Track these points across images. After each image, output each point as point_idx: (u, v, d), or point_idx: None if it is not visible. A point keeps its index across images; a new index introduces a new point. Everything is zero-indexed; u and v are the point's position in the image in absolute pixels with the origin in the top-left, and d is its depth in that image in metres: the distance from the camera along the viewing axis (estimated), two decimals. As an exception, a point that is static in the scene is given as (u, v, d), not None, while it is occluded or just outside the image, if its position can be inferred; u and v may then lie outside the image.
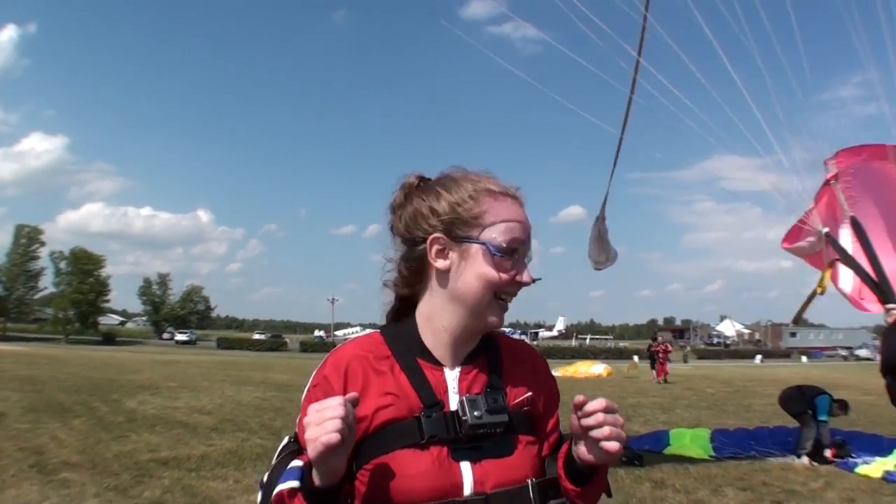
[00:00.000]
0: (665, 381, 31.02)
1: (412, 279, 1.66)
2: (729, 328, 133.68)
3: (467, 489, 1.45)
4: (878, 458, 10.56)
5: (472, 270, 1.54)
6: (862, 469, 10.22)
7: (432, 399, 1.51)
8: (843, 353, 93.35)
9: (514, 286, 1.57)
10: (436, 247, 1.57)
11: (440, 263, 1.57)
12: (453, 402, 1.53)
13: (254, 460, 10.11)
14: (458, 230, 1.55)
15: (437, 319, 1.61)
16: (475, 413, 1.47)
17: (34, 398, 16.60)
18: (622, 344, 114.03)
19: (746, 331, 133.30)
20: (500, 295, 1.56)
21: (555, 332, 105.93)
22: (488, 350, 1.66)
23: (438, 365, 1.59)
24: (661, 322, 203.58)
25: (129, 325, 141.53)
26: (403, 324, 1.67)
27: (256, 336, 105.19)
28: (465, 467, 1.47)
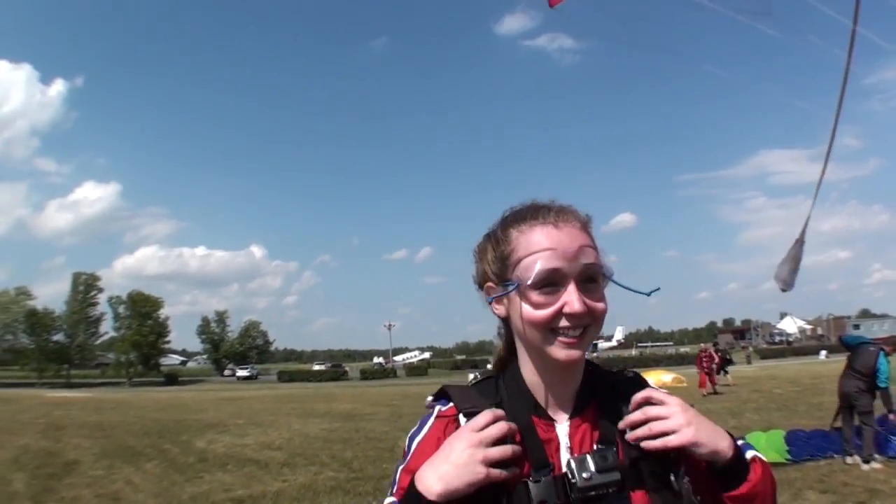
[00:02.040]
0: (715, 391, 27.80)
1: (503, 328, 1.63)
2: (790, 325, 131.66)
3: None
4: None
5: (516, 313, 1.46)
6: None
7: (542, 461, 1.42)
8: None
9: (567, 318, 1.40)
10: (491, 294, 1.53)
11: (499, 310, 1.55)
12: (564, 462, 1.43)
13: (328, 493, 10.09)
14: (503, 275, 1.49)
15: (525, 367, 1.54)
16: (584, 475, 1.37)
17: (105, 444, 16.79)
18: (683, 349, 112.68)
19: (808, 326, 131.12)
20: (557, 330, 1.41)
21: (614, 343, 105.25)
22: (597, 394, 1.54)
23: (550, 420, 1.50)
24: (720, 324, 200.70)
25: (191, 364, 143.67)
26: (511, 373, 1.57)
27: (316, 367, 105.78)
28: None
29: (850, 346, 11.21)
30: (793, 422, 14.52)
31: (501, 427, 1.36)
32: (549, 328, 1.41)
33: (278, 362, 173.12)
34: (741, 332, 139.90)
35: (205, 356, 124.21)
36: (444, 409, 1.53)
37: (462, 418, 1.46)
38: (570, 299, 1.38)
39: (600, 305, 1.42)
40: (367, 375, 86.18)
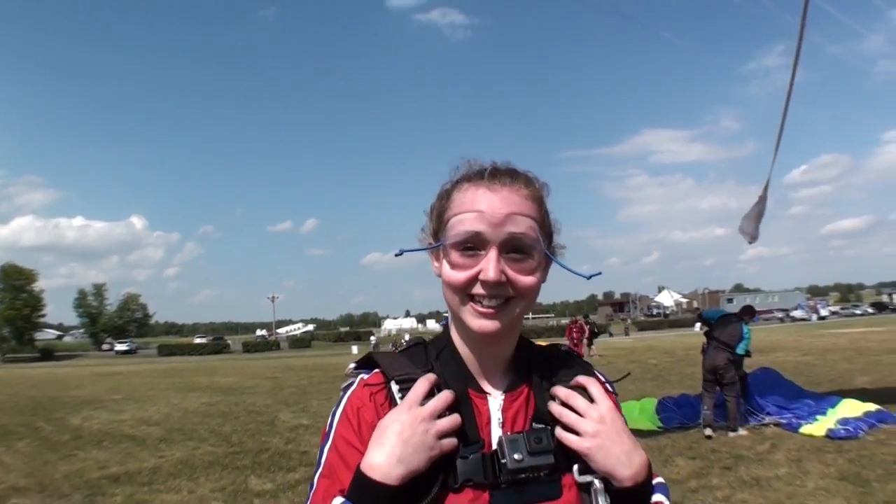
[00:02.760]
0: None
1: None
2: (667, 298, 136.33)
3: None
4: (819, 417, 10.82)
5: (442, 273, 1.39)
6: (806, 429, 10.50)
7: (472, 436, 1.34)
8: (780, 315, 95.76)
9: (482, 285, 1.31)
10: (420, 243, 1.47)
11: (435, 268, 1.44)
12: (495, 439, 1.35)
13: (206, 468, 10.06)
14: (438, 232, 1.40)
15: (455, 335, 1.46)
16: (515, 456, 1.29)
17: (-26, 423, 16.18)
18: (564, 321, 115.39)
19: (685, 300, 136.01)
20: (473, 297, 1.33)
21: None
22: (532, 370, 1.46)
23: (482, 393, 1.41)
24: (600, 297, 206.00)
25: (67, 338, 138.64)
26: (442, 340, 1.49)
27: (197, 340, 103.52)
28: None
29: (710, 321, 11.75)
30: (665, 391, 15.02)
31: (447, 397, 1.31)
32: (465, 292, 1.34)
33: (159, 336, 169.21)
34: (620, 304, 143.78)
35: (82, 330, 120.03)
36: (367, 376, 1.42)
37: (394, 386, 1.36)
38: (486, 266, 1.29)
39: (526, 279, 1.33)
40: (249, 348, 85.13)
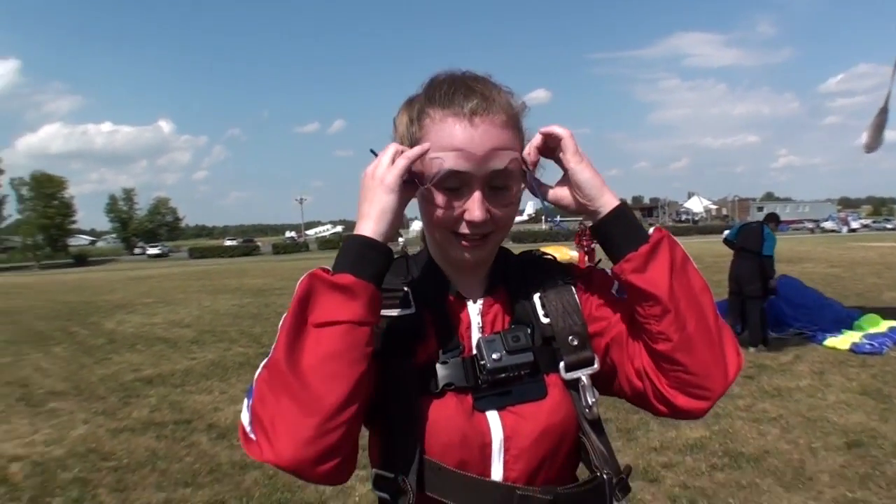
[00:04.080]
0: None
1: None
2: (696, 205, 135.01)
3: (496, 439, 1.30)
4: (845, 331, 10.79)
5: (420, 206, 1.38)
6: (830, 342, 10.46)
7: (451, 342, 1.36)
8: (810, 225, 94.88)
9: (467, 225, 1.32)
10: None
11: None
12: (475, 342, 1.37)
13: (237, 370, 10.29)
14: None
15: (433, 249, 1.47)
16: (493, 356, 1.30)
17: (12, 330, 16.65)
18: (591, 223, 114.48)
19: (714, 207, 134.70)
20: (458, 233, 1.34)
21: (525, 217, 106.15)
22: (508, 276, 1.48)
23: (462, 299, 1.44)
24: (630, 201, 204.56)
25: (100, 243, 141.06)
26: (422, 253, 1.51)
27: (227, 242, 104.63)
28: (493, 416, 1.31)
29: (732, 242, 11.27)
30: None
31: (395, 147, 1.29)
32: (449, 230, 1.34)
33: (189, 239, 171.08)
34: (649, 209, 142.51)
35: (114, 235, 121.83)
36: None
37: None
38: (472, 206, 1.29)
39: (507, 211, 1.34)
40: (279, 250, 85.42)
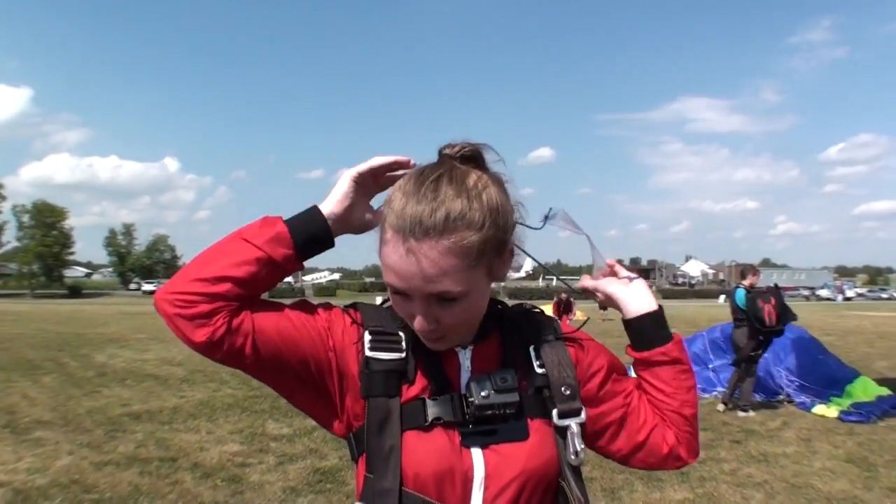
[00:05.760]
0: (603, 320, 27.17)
1: None
2: (694, 268, 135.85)
3: (478, 476, 1.34)
4: (834, 399, 10.79)
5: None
6: (819, 409, 10.48)
7: (441, 382, 1.41)
8: (805, 293, 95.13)
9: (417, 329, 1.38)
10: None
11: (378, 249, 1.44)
12: (464, 384, 1.41)
13: (225, 410, 10.26)
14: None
15: None
16: (482, 393, 1.35)
17: (2, 356, 16.58)
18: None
19: (711, 271, 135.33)
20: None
21: (522, 274, 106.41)
22: (500, 325, 1.53)
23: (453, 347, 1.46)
24: (627, 262, 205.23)
25: (95, 276, 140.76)
26: None
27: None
28: (476, 453, 1.35)
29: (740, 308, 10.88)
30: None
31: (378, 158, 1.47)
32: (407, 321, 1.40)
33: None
34: (646, 271, 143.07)
35: (110, 269, 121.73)
36: (352, 310, 1.49)
37: (367, 335, 1.41)
38: (417, 317, 1.34)
39: (459, 317, 1.35)
40: (274, 294, 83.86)
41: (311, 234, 1.42)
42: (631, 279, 1.63)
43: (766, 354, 10.91)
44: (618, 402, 1.55)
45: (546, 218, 1.53)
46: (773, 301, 10.30)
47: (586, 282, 1.67)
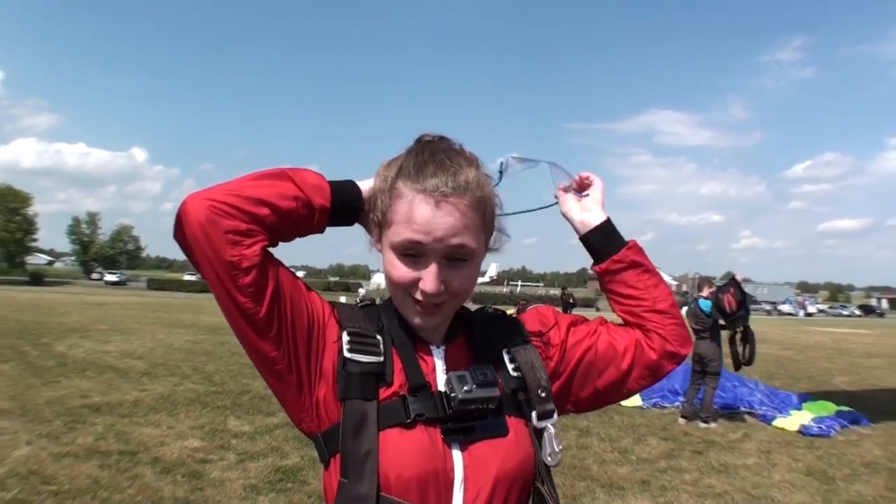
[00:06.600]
0: None
1: None
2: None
3: (458, 477, 1.33)
4: (794, 412, 10.97)
5: (384, 261, 1.45)
6: (779, 422, 10.61)
7: (419, 380, 1.40)
8: (767, 307, 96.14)
9: (421, 293, 1.39)
10: (370, 234, 1.52)
11: (371, 241, 1.52)
12: (441, 383, 1.42)
13: (186, 405, 10.18)
14: (385, 213, 1.42)
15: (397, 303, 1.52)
16: (465, 388, 1.36)
17: (-40, 342, 16.26)
18: (553, 291, 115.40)
19: (674, 283, 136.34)
20: (413, 295, 1.42)
21: (486, 279, 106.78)
22: (469, 327, 1.57)
23: (425, 343, 1.49)
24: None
25: (58, 264, 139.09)
26: (390, 302, 1.54)
27: (187, 277, 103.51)
28: (456, 453, 1.35)
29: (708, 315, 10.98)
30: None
31: None
32: (405, 291, 1.41)
33: (149, 269, 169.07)
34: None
35: (73, 258, 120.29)
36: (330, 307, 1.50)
37: (345, 336, 1.42)
38: (427, 278, 1.36)
39: (463, 283, 1.42)
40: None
41: (346, 200, 1.47)
42: (582, 196, 1.76)
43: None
44: (587, 342, 1.61)
45: (501, 173, 1.63)
46: (731, 290, 10.68)
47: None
